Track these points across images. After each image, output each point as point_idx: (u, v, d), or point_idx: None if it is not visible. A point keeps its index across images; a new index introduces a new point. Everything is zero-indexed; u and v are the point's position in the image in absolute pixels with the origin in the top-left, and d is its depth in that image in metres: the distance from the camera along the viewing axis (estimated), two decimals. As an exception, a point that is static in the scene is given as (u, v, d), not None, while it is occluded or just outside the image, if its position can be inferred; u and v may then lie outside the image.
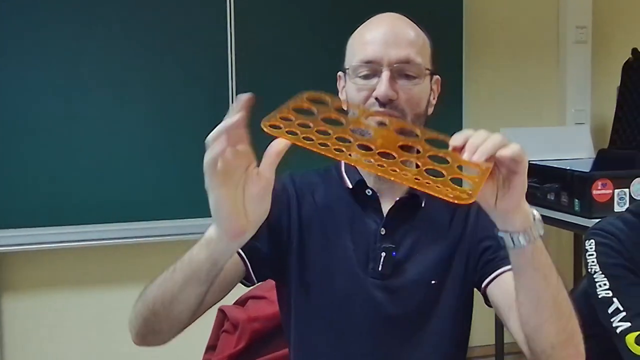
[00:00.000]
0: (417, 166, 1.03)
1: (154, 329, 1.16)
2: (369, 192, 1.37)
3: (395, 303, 1.34)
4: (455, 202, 0.96)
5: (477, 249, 1.35)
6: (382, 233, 1.35)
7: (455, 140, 0.99)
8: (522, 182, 1.01)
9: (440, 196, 0.96)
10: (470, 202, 0.97)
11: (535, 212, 1.08)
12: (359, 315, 1.34)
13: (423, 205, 1.38)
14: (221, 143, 0.94)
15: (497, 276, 1.30)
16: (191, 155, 3.09)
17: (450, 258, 1.36)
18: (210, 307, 1.26)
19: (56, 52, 3.06)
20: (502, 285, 1.28)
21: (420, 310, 1.35)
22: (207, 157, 0.95)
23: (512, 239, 1.05)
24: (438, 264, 1.36)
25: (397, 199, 1.36)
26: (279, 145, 1.00)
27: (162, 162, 3.18)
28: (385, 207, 1.37)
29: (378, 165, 1.02)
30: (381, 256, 1.33)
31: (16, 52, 3.02)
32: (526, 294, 1.11)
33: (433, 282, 1.35)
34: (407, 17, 1.36)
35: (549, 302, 1.10)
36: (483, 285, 1.33)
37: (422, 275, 1.34)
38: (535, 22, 3.88)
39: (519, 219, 1.04)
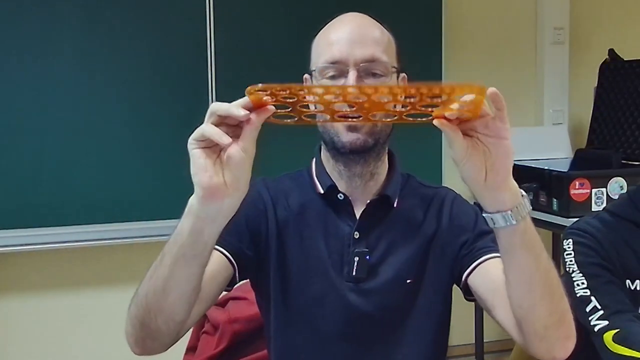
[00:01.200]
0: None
1: (150, 328, 1.12)
2: (340, 196, 1.36)
3: (371, 305, 1.34)
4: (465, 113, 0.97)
5: (454, 244, 1.35)
6: (356, 237, 1.35)
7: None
8: (509, 148, 1.01)
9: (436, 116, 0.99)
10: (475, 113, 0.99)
11: (523, 191, 1.07)
12: (336, 317, 1.34)
13: (395, 205, 1.38)
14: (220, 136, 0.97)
15: (477, 265, 1.30)
16: (186, 155, 3.12)
17: (424, 256, 1.37)
18: (206, 309, 1.25)
19: (55, 52, 3.05)
20: (483, 273, 1.29)
21: (397, 310, 1.36)
22: (202, 132, 0.97)
23: (503, 217, 1.04)
24: (413, 263, 1.36)
25: (368, 201, 1.36)
26: (261, 115, 1.00)
27: (160, 161, 3.16)
28: (358, 210, 1.37)
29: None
30: (354, 260, 1.34)
31: (11, 53, 3.00)
32: (518, 275, 1.10)
33: (408, 281, 1.35)
34: (371, 17, 1.36)
35: (541, 282, 1.09)
36: (463, 278, 1.32)
37: (397, 275, 1.35)
38: (513, 23, 3.90)
39: (508, 195, 1.03)
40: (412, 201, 1.41)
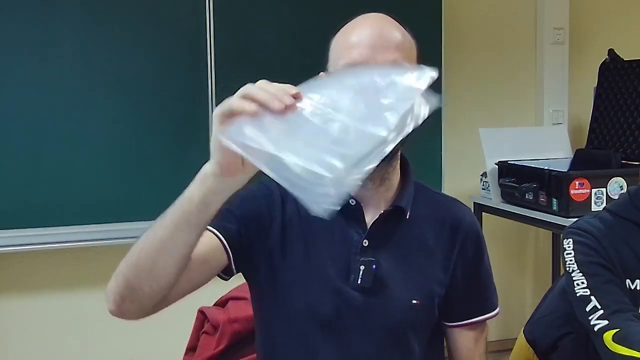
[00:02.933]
0: None
1: (133, 287, 1.12)
2: (352, 201, 1.33)
3: (373, 318, 1.32)
4: None
5: (461, 279, 1.38)
6: (365, 245, 1.33)
7: None
8: None
9: None
10: None
11: None
12: (334, 326, 1.32)
13: (407, 216, 1.36)
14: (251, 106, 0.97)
15: (463, 324, 1.39)
16: (188, 155, 3.15)
17: (432, 276, 1.36)
18: (191, 290, 1.24)
19: (54, 52, 3.05)
20: (460, 338, 1.40)
21: (398, 327, 1.34)
22: (234, 106, 0.98)
23: None
24: (420, 284, 1.35)
25: (382, 211, 1.34)
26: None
27: (160, 161, 3.17)
28: (368, 217, 1.35)
29: None
30: (360, 269, 1.31)
31: (10, 53, 3.00)
32: None
33: (414, 301, 1.34)
34: (393, 18, 1.32)
35: None
36: (447, 320, 1.39)
37: (403, 293, 1.33)
38: (513, 23, 3.90)
39: None
40: (425, 212, 1.39)
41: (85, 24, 3.08)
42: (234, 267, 1.31)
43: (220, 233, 1.27)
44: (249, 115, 0.97)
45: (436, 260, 1.36)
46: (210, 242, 1.26)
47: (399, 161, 1.38)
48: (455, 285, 1.37)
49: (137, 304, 1.15)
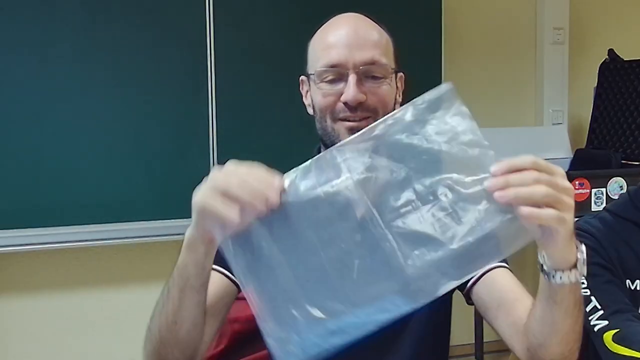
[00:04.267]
0: None
1: (167, 359, 1.15)
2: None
3: None
4: None
5: None
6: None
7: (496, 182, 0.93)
8: (560, 234, 0.95)
9: None
10: None
11: (580, 254, 1.02)
12: None
13: None
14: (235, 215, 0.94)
15: (483, 274, 1.28)
16: (187, 156, 3.14)
17: None
18: (217, 328, 1.27)
19: (55, 52, 3.05)
20: (489, 283, 1.27)
21: (398, 319, 1.35)
22: (216, 210, 0.95)
23: (554, 274, 1.02)
24: None
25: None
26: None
27: (160, 162, 3.16)
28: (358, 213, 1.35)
29: None
30: (354, 262, 1.32)
31: (10, 53, 3.01)
32: (542, 319, 1.09)
33: None
34: (368, 16, 1.33)
35: (563, 332, 1.08)
36: (468, 285, 1.30)
37: None
38: (513, 23, 3.90)
39: (558, 259, 1.00)
40: None
41: (85, 24, 3.08)
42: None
43: (224, 267, 1.28)
44: (231, 225, 0.95)
45: None
46: (219, 281, 1.27)
47: None
48: None
49: None
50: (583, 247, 1.02)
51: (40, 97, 3.04)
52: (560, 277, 1.01)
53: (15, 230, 3.05)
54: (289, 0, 3.34)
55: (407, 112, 0.99)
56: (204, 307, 1.14)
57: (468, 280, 1.31)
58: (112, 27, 3.11)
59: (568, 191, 0.95)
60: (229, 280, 1.29)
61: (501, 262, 1.28)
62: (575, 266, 1.01)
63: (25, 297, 3.30)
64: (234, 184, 0.95)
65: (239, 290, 1.31)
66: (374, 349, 1.34)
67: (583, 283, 1.59)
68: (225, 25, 3.21)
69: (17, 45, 3.00)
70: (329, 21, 1.34)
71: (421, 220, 0.95)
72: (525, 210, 0.91)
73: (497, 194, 0.91)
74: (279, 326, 0.96)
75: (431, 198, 0.95)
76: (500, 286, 1.22)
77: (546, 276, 1.03)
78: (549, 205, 0.92)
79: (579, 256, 1.01)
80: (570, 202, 0.95)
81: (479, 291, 1.30)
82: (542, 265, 1.03)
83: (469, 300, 1.34)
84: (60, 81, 3.06)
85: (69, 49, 3.06)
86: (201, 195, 0.97)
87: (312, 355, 0.96)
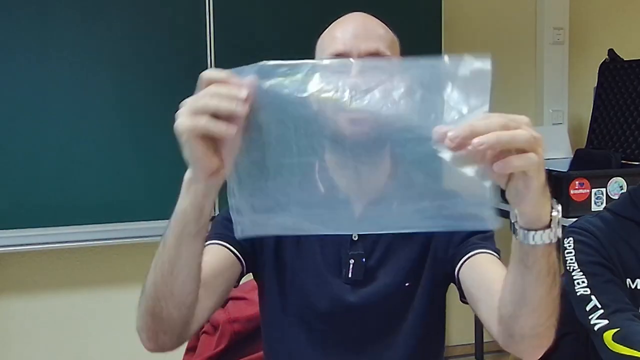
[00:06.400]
0: None
1: (162, 318, 1.12)
2: (340, 194, 1.31)
3: (367, 308, 1.34)
4: None
5: (449, 243, 1.34)
6: (355, 238, 1.35)
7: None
8: (534, 185, 0.90)
9: None
10: None
11: (556, 212, 0.97)
12: (332, 318, 1.35)
13: None
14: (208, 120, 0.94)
15: (467, 259, 1.29)
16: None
17: (422, 258, 1.36)
18: (215, 305, 1.26)
19: (53, 52, 3.04)
20: (472, 266, 1.27)
21: (393, 313, 1.36)
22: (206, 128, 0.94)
23: (527, 234, 0.97)
24: (411, 266, 1.35)
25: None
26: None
27: (159, 161, 3.15)
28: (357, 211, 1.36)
29: None
30: (350, 263, 1.34)
31: (8, 52, 3.01)
32: (512, 286, 1.06)
33: (407, 284, 1.35)
34: (390, 18, 1.35)
35: (535, 301, 1.05)
36: (456, 273, 1.31)
37: (395, 279, 1.35)
38: (512, 23, 3.90)
39: (529, 218, 0.96)
40: None
41: (83, 24, 3.07)
42: (244, 270, 1.34)
43: (228, 243, 1.30)
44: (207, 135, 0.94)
45: (425, 238, 1.36)
46: (220, 254, 1.28)
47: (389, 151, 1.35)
48: (446, 243, 1.35)
49: (170, 333, 1.15)
50: (559, 207, 0.98)
51: (39, 98, 3.04)
52: (533, 237, 0.97)
53: (14, 230, 3.05)
54: (289, 1, 3.33)
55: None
56: (200, 259, 1.11)
57: (455, 267, 1.31)
58: (110, 26, 3.10)
59: (538, 140, 0.89)
60: (234, 256, 1.30)
61: (491, 250, 1.28)
62: (549, 226, 0.97)
63: (25, 298, 3.30)
64: (199, 98, 0.95)
65: (244, 269, 1.32)
66: (371, 344, 1.36)
67: (583, 282, 1.60)
68: (224, 26, 3.21)
69: (14, 45, 3.00)
70: (336, 20, 1.35)
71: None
72: (499, 163, 0.86)
73: (475, 140, 0.84)
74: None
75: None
76: (483, 270, 1.21)
77: (518, 236, 0.98)
78: (526, 150, 0.87)
79: (554, 214, 0.97)
80: (542, 150, 0.90)
81: (463, 276, 1.30)
82: (514, 224, 0.99)
83: (462, 297, 1.34)
84: (59, 82, 3.06)
85: (69, 49, 3.06)
86: (176, 123, 0.97)
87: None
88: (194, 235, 1.07)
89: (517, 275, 1.04)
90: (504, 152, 0.86)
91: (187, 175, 1.04)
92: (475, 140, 0.84)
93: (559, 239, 0.99)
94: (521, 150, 0.87)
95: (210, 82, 0.96)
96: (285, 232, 1.02)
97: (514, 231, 0.99)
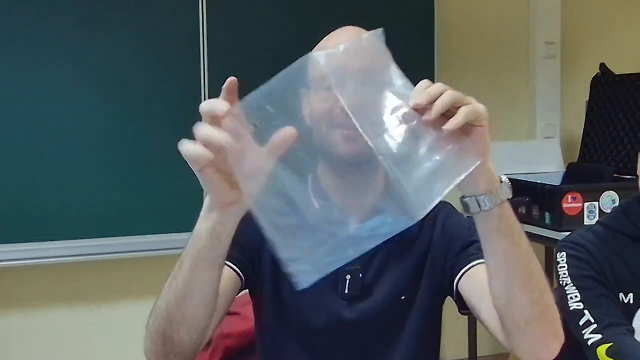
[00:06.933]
0: None
1: (173, 341, 1.11)
2: (336, 210, 1.33)
3: (364, 323, 1.34)
4: None
5: (446, 255, 1.35)
6: None
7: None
8: (484, 134, 1.00)
9: None
10: None
11: (504, 176, 1.05)
12: (329, 334, 1.34)
13: None
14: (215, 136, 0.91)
15: (467, 270, 1.30)
16: (181, 170, 3.11)
17: (419, 271, 1.36)
18: (218, 322, 1.26)
19: (49, 62, 3.05)
20: (472, 277, 1.28)
21: (391, 326, 1.36)
22: (208, 137, 0.92)
23: (477, 201, 1.02)
24: (408, 279, 1.35)
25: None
26: (287, 134, 0.94)
27: (157, 176, 3.15)
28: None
29: None
30: (347, 279, 1.33)
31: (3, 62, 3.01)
32: (496, 263, 1.08)
33: (403, 297, 1.35)
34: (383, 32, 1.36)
35: (520, 269, 1.07)
36: (455, 284, 1.32)
37: (392, 293, 1.34)
38: (505, 37, 3.92)
39: (483, 180, 1.02)
40: None
41: (80, 32, 3.08)
42: (243, 287, 1.34)
43: (229, 260, 1.28)
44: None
45: (422, 251, 1.37)
46: (224, 274, 1.25)
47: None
48: (444, 255, 1.36)
49: (180, 357, 1.14)
50: (504, 177, 1.05)
51: (32, 111, 3.03)
52: (490, 199, 1.02)
53: (7, 245, 3.03)
54: (284, 4, 3.33)
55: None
56: (216, 286, 1.10)
57: (454, 279, 1.32)
58: (107, 39, 3.11)
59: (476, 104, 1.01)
60: (235, 274, 1.30)
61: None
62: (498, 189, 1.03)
63: (20, 313, 3.27)
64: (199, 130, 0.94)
65: (243, 285, 1.32)
66: (367, 357, 1.35)
67: (577, 296, 1.60)
68: (219, 30, 3.21)
69: (9, 55, 3.00)
70: (329, 35, 1.35)
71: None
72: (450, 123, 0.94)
73: (426, 116, 0.95)
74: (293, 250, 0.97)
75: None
76: (482, 280, 1.21)
77: (473, 209, 1.03)
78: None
79: (503, 179, 1.04)
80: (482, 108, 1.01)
81: (463, 288, 1.30)
82: (466, 201, 1.04)
83: (461, 307, 1.34)
84: (53, 94, 3.05)
85: (69, 64, 3.06)
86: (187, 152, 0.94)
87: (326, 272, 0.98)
88: (210, 262, 1.07)
89: (491, 252, 1.07)
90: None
91: (206, 202, 1.04)
92: (424, 117, 0.95)
93: (509, 200, 1.05)
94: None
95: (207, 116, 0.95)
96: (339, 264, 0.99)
97: (467, 208, 1.04)
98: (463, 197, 1.04)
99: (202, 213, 1.05)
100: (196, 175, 0.95)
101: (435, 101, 0.95)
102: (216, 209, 1.01)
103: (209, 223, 1.03)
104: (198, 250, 1.05)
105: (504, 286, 1.09)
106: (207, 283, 1.08)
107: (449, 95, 0.97)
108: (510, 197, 1.04)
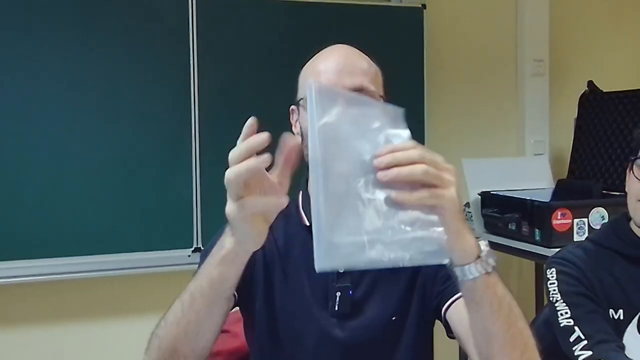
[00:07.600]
0: None
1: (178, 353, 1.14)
2: None
3: (355, 342, 1.33)
4: None
5: (435, 278, 1.34)
6: (341, 271, 1.34)
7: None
8: (449, 222, 0.95)
9: None
10: None
11: (484, 245, 1.02)
12: (319, 354, 1.34)
13: None
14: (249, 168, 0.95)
15: (454, 301, 1.29)
16: (170, 187, 3.13)
17: (410, 291, 1.36)
18: (215, 339, 1.26)
19: (39, 74, 3.04)
20: (460, 309, 1.27)
21: (381, 346, 1.35)
22: (234, 176, 0.96)
23: (457, 271, 1.01)
24: (399, 300, 1.35)
25: None
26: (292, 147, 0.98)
27: (147, 193, 3.14)
28: None
29: None
30: (337, 295, 1.33)
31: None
32: (475, 326, 1.09)
33: (394, 318, 1.34)
34: (372, 49, 1.36)
35: (499, 335, 1.06)
36: (442, 312, 1.32)
37: (382, 312, 1.34)
38: (493, 55, 3.95)
39: (458, 254, 0.99)
40: None
41: (70, 44, 3.08)
42: (236, 304, 1.34)
43: None
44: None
45: (412, 273, 1.36)
46: None
47: None
48: (432, 280, 1.35)
49: None
50: (485, 241, 1.02)
51: (20, 125, 3.02)
52: (470, 271, 1.00)
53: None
54: (273, 8, 3.32)
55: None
56: (226, 317, 1.16)
57: (441, 308, 1.32)
58: (99, 52, 3.10)
59: (450, 170, 0.96)
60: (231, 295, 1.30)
61: None
62: (479, 257, 1.00)
63: (7, 330, 3.24)
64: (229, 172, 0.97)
65: (236, 301, 1.31)
66: None
67: (567, 312, 1.60)
68: (208, 61, 3.22)
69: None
70: (321, 51, 1.36)
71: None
72: (399, 195, 0.90)
73: (379, 174, 0.90)
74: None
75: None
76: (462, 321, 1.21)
77: (457, 276, 1.01)
78: (428, 184, 0.92)
79: (482, 247, 1.01)
80: (451, 178, 0.95)
81: (451, 318, 1.30)
82: (449, 266, 1.02)
83: (448, 332, 1.34)
84: (44, 106, 3.04)
85: (56, 79, 3.06)
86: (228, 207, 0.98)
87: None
88: (229, 297, 1.13)
89: (473, 314, 1.06)
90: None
91: (228, 246, 1.05)
92: (379, 174, 0.90)
93: (494, 269, 1.02)
94: (432, 186, 0.92)
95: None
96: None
97: (452, 271, 1.02)
98: (450, 264, 1.03)
99: (220, 261, 1.07)
100: (237, 220, 0.97)
101: (401, 165, 0.91)
102: (248, 248, 1.04)
103: (235, 264, 1.07)
104: (221, 292, 1.11)
105: (483, 346, 1.10)
106: (223, 315, 1.14)
107: (416, 169, 0.92)
108: (493, 266, 1.02)
